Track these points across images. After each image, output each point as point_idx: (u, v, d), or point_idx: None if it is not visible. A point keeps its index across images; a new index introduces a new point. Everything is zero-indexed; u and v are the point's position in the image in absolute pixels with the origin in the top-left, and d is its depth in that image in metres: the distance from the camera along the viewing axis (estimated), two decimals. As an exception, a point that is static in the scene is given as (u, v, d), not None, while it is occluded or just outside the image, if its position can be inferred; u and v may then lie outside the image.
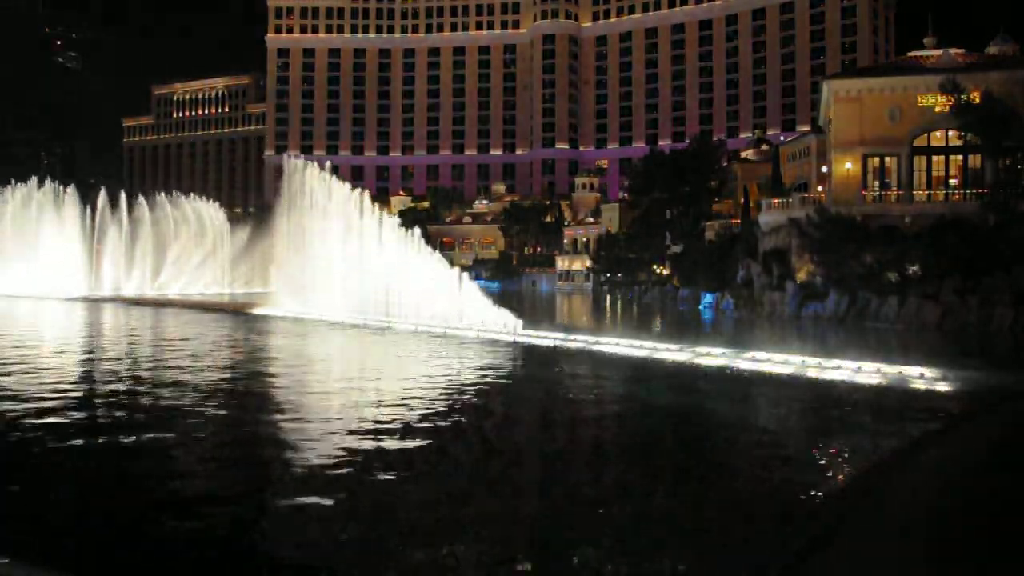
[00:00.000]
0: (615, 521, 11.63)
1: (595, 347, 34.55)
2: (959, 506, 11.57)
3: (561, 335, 38.55)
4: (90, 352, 34.00)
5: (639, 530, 11.17)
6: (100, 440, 16.24)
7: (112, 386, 23.11)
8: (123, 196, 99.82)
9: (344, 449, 15.20)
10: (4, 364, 27.01)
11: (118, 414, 19.20)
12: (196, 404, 19.97)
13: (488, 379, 25.90)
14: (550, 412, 20.89)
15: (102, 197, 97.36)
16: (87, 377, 25.72)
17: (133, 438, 16.41)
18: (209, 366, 28.41)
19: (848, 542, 9.75)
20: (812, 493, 12.89)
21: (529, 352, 33.77)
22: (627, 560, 10.03)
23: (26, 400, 19.98)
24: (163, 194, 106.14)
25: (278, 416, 19.12)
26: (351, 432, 16.82)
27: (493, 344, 36.18)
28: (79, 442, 15.86)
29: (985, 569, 8.87)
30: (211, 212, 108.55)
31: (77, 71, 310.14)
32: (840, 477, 14.15)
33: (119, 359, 30.66)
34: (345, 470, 13.79)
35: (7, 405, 19.20)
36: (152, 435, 16.62)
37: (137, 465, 14.45)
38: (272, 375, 26.37)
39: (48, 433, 16.45)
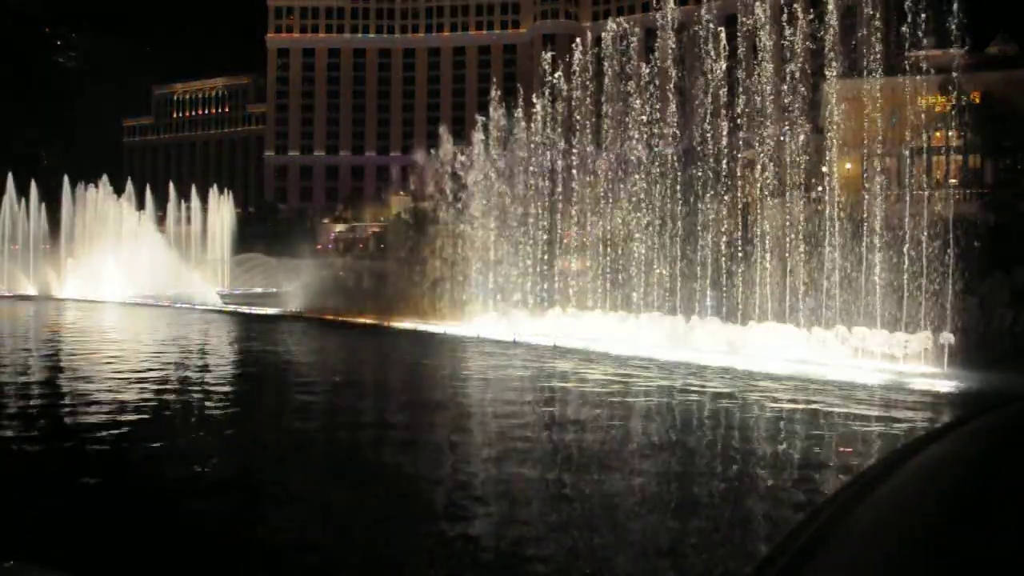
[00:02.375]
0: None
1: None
2: (958, 507, 11.58)
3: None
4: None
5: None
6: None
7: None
8: (128, 188, 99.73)
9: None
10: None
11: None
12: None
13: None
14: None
15: (103, 184, 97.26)
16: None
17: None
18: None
19: (844, 544, 9.76)
20: (810, 493, 12.88)
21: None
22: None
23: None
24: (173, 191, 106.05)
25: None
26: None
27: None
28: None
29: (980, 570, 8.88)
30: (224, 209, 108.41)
31: (77, 71, 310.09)
32: (838, 477, 14.15)
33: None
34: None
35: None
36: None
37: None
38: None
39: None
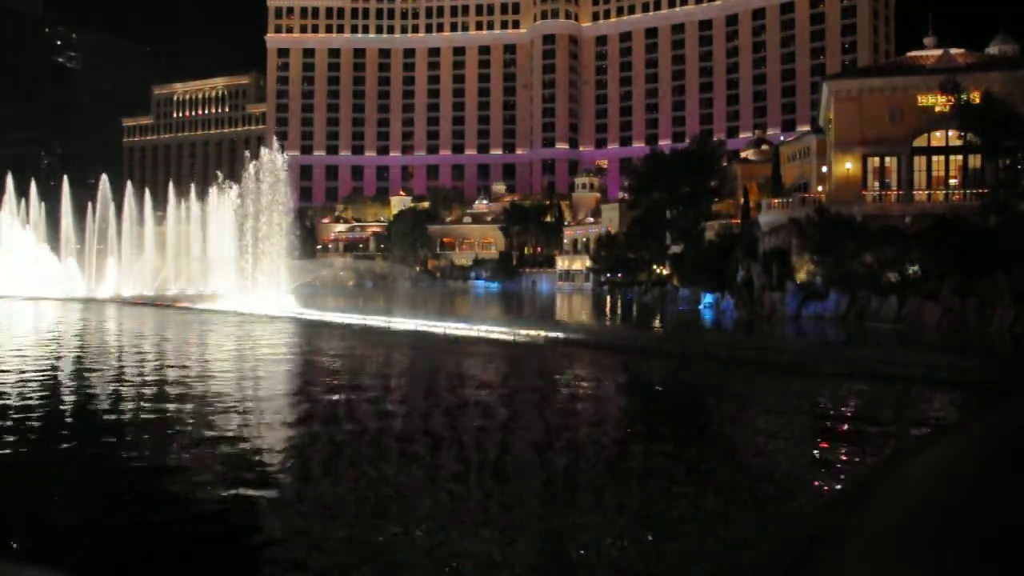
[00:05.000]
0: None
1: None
2: (958, 507, 11.55)
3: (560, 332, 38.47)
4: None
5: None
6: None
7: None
8: (128, 190, 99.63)
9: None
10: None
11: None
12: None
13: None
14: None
15: (103, 183, 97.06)
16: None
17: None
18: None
19: (844, 544, 9.72)
20: (810, 493, 12.86)
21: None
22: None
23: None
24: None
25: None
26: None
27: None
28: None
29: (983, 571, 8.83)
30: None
31: (77, 71, 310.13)
32: (839, 477, 14.13)
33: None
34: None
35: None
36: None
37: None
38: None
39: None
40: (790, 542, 10.14)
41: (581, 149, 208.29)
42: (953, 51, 71.24)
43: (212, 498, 11.24)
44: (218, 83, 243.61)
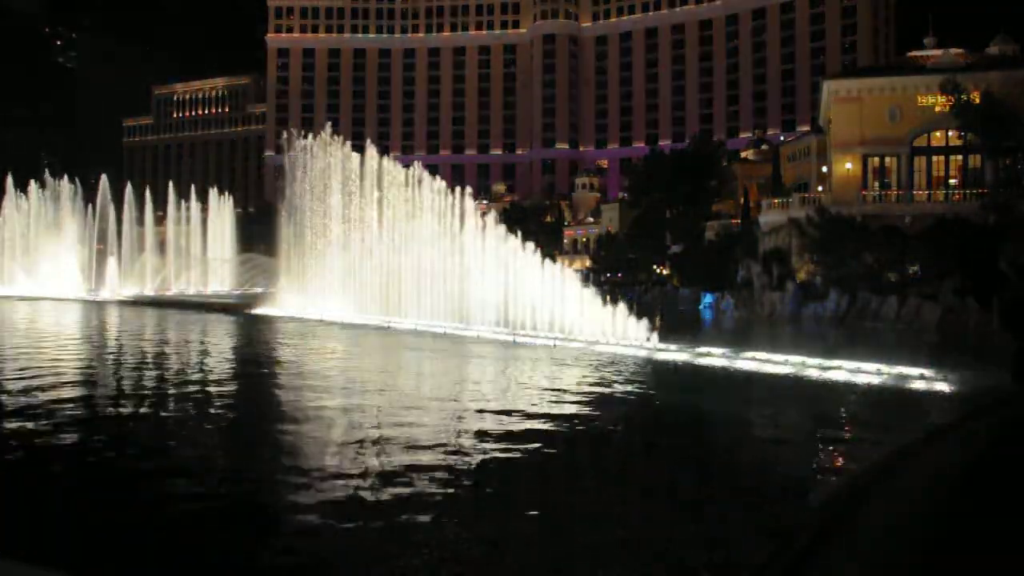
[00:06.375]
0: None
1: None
2: (958, 507, 11.56)
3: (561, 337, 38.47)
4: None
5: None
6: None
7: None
8: (127, 192, 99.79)
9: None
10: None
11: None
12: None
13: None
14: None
15: (103, 184, 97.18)
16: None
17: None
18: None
19: (842, 546, 9.73)
20: (811, 493, 12.88)
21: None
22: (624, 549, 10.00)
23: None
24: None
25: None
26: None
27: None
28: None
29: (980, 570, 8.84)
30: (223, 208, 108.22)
31: (77, 71, 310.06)
32: (839, 477, 14.14)
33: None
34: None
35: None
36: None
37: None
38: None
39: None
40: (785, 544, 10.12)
41: (581, 149, 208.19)
42: (953, 51, 71.30)
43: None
44: (218, 83, 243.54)
